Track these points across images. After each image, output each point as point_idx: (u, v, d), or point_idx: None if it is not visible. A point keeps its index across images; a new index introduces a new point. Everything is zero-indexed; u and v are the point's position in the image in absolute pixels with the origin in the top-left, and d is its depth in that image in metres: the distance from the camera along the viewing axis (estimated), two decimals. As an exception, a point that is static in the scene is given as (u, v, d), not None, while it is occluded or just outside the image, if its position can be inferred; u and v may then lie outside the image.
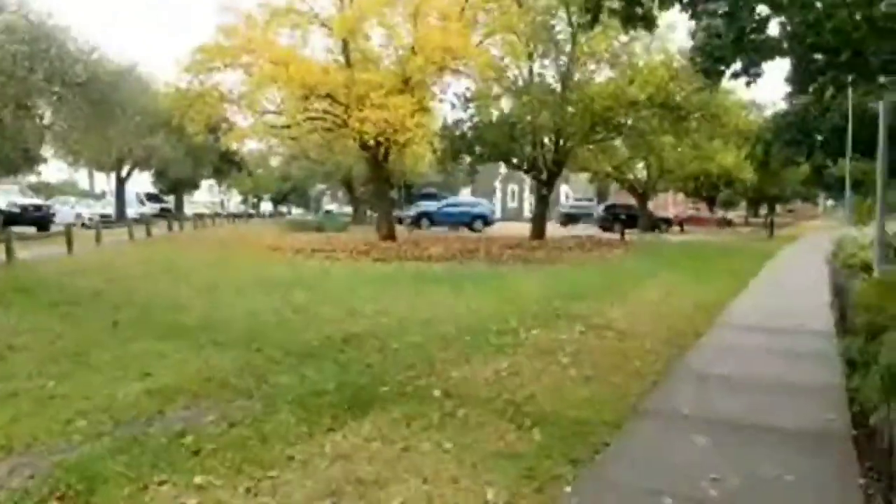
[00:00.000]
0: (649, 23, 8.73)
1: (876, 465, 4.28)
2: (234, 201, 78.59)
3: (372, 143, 20.15)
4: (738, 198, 62.26)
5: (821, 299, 11.68)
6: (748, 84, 10.08)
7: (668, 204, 57.33)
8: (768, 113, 31.73)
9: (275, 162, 63.98)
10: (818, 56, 9.23)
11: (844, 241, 18.70)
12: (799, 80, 9.78)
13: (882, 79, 9.15)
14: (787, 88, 29.71)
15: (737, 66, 9.78)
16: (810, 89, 10.08)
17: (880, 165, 11.00)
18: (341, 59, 22.75)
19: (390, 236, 22.86)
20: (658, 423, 5.09)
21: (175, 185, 52.94)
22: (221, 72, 22.63)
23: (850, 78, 9.11)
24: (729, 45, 9.55)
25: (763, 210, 62.30)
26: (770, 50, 9.72)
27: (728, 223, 46.09)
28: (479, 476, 3.99)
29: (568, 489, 3.86)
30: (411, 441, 4.49)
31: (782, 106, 28.21)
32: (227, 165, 57.16)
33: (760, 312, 10.22)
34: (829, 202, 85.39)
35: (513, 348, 7.27)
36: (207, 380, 5.91)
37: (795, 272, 16.27)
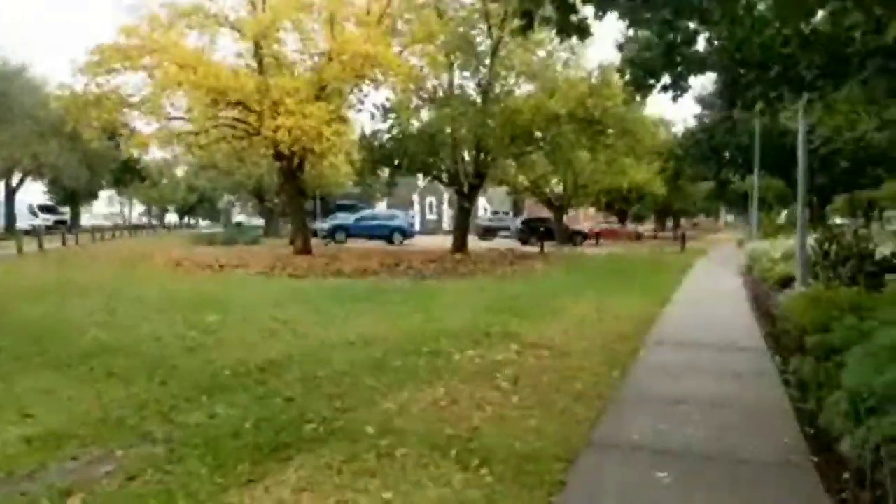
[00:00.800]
0: (583, 32, 8.47)
1: (850, 497, 3.99)
2: (137, 212, 74.66)
3: (286, 152, 19.25)
4: (648, 212, 64.49)
5: (744, 312, 11.76)
6: (675, 98, 10.03)
7: (580, 218, 58.65)
8: (676, 129, 32.87)
9: (181, 172, 61.36)
10: (745, 71, 9.26)
11: (756, 253, 19.34)
12: (728, 95, 9.80)
13: (806, 95, 9.27)
14: (698, 107, 30.61)
15: (666, 79, 9.73)
16: (739, 104, 10.13)
17: (801, 183, 11.22)
18: (254, 64, 21.75)
19: (306, 250, 21.95)
20: (613, 456, 4.67)
21: (71, 195, 49.68)
22: (122, 74, 21.21)
23: (777, 93, 9.16)
24: (659, 57, 9.45)
25: (670, 223, 64.67)
26: (699, 64, 9.69)
27: (639, 236, 47.42)
28: (427, 535, 3.43)
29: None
30: (347, 492, 3.87)
31: (692, 123, 29.26)
32: (128, 175, 54.29)
33: (690, 327, 10.11)
34: (729, 217, 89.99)
35: (448, 372, 6.74)
36: (101, 421, 5.10)
37: (714, 284, 16.54)
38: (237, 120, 20.87)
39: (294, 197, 22.70)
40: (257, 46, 21.32)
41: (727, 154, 27.26)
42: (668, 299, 13.22)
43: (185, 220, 76.13)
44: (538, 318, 10.36)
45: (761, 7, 7.81)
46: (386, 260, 20.46)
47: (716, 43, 9.31)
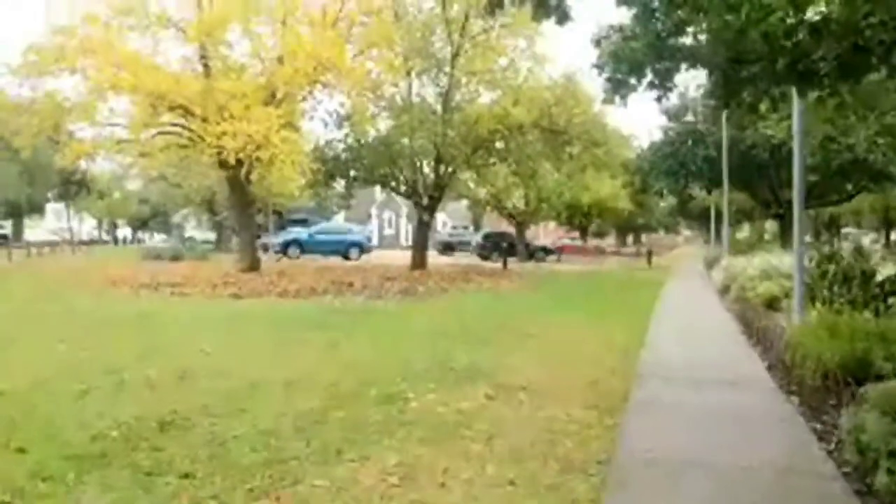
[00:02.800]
0: (563, 15, 7.23)
1: None
2: (87, 227, 71.17)
3: (232, 161, 17.67)
4: (608, 227, 64.10)
5: (736, 338, 10.64)
6: (659, 99, 8.86)
7: (539, 233, 57.68)
8: (636, 144, 32.11)
9: (134, 185, 58.72)
10: (743, 65, 8.11)
11: (732, 271, 18.39)
12: (722, 93, 8.65)
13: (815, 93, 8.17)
14: (658, 121, 29.92)
15: (649, 76, 8.58)
16: (732, 106, 9.02)
17: (797, 192, 10.15)
18: (199, 67, 20.12)
19: (253, 267, 20.29)
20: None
21: (11, 209, 46.90)
22: (57, 77, 19.41)
23: (782, 90, 8.05)
24: (645, 48, 8.27)
25: (630, 239, 64.37)
26: (689, 57, 8.53)
27: (601, 252, 46.75)
28: None
29: None
30: None
31: (658, 136, 28.49)
32: (73, 187, 51.63)
33: (681, 357, 8.90)
34: (688, 232, 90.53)
35: (403, 428, 5.34)
36: None
37: (693, 304, 15.54)
38: (180, 126, 19.21)
39: (241, 209, 21.03)
40: (203, 49, 19.74)
41: (693, 167, 26.45)
42: (648, 321, 12.04)
43: (138, 235, 73.03)
44: (509, 347, 9.04)
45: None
46: (339, 277, 18.95)
47: (706, 36, 8.21)
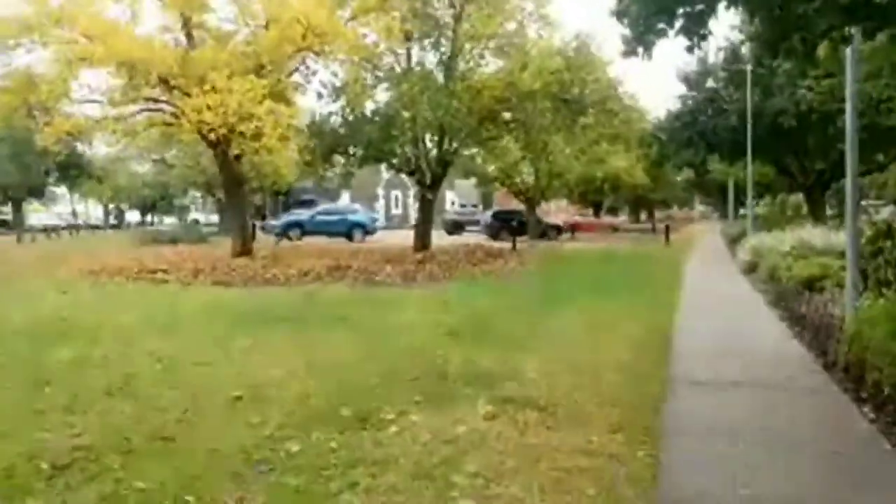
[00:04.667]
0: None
1: None
2: (98, 212, 69.85)
3: (213, 137, 16.30)
4: (621, 203, 62.27)
5: (775, 326, 9.28)
6: (690, 49, 7.47)
7: (551, 210, 55.91)
8: (654, 116, 30.38)
9: (144, 168, 57.55)
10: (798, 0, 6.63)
11: (760, 249, 16.94)
12: (769, 36, 7.16)
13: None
14: (682, 87, 28.11)
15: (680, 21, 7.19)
16: (779, 52, 7.56)
17: (850, 158, 8.68)
18: (182, 38, 18.70)
19: (245, 251, 19.01)
20: None
21: (5, 193, 45.79)
22: (31, 51, 18.06)
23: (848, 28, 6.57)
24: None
25: (644, 216, 62.53)
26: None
27: (615, 229, 45.17)
28: None
29: None
30: None
31: (676, 105, 26.81)
32: (74, 171, 50.42)
33: (719, 354, 7.54)
34: (701, 207, 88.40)
35: (372, 470, 4.04)
36: None
37: (719, 286, 14.11)
38: (155, 100, 17.85)
39: (232, 189, 19.68)
40: (185, 18, 18.31)
41: (714, 138, 24.78)
42: (674, 308, 10.69)
43: (146, 218, 71.85)
44: (514, 344, 7.70)
45: None
46: (336, 261, 17.63)
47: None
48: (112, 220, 65.64)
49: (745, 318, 10.08)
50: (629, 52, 7.45)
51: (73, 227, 46.75)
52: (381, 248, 23.07)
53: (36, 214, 60.03)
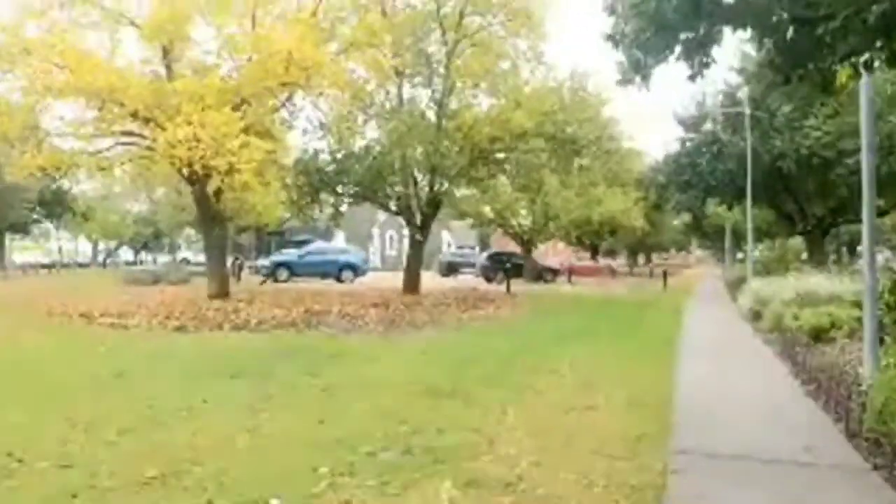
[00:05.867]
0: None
1: None
2: (85, 249, 68.74)
3: (189, 173, 15.46)
4: (619, 246, 61.43)
5: (790, 386, 8.25)
6: (692, 77, 6.61)
7: (548, 253, 55.00)
8: (651, 159, 29.83)
9: (141, 206, 56.82)
10: (817, 22, 5.81)
11: (762, 295, 15.97)
12: (783, 63, 6.33)
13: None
14: (680, 130, 27.41)
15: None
16: (795, 77, 6.73)
17: (866, 193, 7.80)
18: (162, 70, 18.01)
19: (222, 293, 17.99)
20: None
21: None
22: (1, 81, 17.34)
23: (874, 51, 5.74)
24: (678, 3, 6.04)
25: (641, 259, 61.70)
26: (738, 15, 6.31)
27: (613, 273, 44.22)
28: None
29: None
30: None
31: (674, 148, 26.20)
32: (58, 207, 49.59)
33: (728, 421, 6.50)
34: (699, 252, 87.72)
35: None
36: None
37: (723, 338, 13.11)
38: (134, 134, 17.06)
39: (208, 228, 18.73)
40: (165, 50, 17.64)
41: (713, 180, 24.07)
42: (675, 361, 9.68)
43: (140, 256, 70.56)
44: (494, 405, 6.68)
45: None
46: (317, 305, 16.63)
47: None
48: (102, 258, 64.56)
49: (756, 376, 9.06)
50: (625, 81, 6.62)
51: (53, 266, 45.58)
52: (370, 291, 22.07)
53: (26, 251, 59.11)
